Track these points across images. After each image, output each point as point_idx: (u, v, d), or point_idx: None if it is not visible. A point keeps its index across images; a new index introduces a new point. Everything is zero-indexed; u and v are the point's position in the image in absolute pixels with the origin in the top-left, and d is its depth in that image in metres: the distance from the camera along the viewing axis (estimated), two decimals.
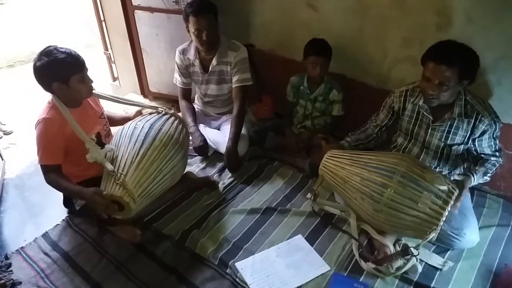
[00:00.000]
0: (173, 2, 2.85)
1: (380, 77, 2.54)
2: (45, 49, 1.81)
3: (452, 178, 2.06)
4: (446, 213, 1.70)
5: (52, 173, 1.89)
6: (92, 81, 1.93)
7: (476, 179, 1.86)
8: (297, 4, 2.68)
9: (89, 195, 1.80)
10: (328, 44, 2.43)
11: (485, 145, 1.91)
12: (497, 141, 1.93)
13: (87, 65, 1.90)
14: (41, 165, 1.91)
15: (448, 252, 1.94)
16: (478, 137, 1.88)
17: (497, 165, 1.93)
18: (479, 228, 1.98)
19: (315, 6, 2.60)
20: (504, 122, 2.05)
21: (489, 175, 1.92)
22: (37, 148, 1.90)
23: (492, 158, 1.92)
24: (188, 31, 2.39)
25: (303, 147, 2.61)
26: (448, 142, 1.96)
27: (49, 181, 1.90)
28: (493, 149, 1.93)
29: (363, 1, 2.39)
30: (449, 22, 2.12)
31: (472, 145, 1.93)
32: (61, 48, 1.82)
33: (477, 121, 1.85)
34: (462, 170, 2.07)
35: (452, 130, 1.92)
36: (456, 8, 2.08)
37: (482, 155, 1.94)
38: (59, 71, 1.80)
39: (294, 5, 2.70)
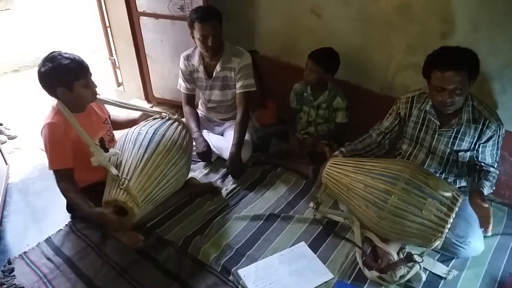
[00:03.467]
0: (178, 8, 2.87)
1: (384, 84, 2.54)
2: (49, 54, 1.82)
3: (457, 186, 2.06)
4: (451, 220, 1.69)
5: (64, 180, 1.90)
6: (96, 86, 1.94)
7: (485, 193, 1.85)
8: (301, 11, 2.68)
9: (97, 216, 1.84)
10: (333, 59, 2.43)
11: (488, 153, 1.91)
12: (499, 151, 1.93)
13: (92, 70, 1.91)
14: (53, 171, 1.91)
15: (453, 261, 1.93)
16: (484, 143, 1.88)
17: (496, 177, 1.94)
18: (484, 237, 1.96)
19: (319, 13, 2.61)
20: (508, 130, 2.04)
21: (493, 188, 1.92)
22: (45, 154, 1.91)
23: (492, 169, 1.93)
24: (193, 37, 2.40)
25: (307, 153, 2.60)
26: (455, 148, 1.95)
27: (61, 190, 1.91)
28: (494, 159, 1.93)
29: (367, 8, 2.39)
30: (454, 30, 2.12)
31: (475, 151, 1.93)
32: (65, 53, 1.83)
33: (485, 126, 1.85)
34: (467, 181, 2.07)
35: (459, 136, 1.92)
36: (461, 15, 2.08)
37: (483, 164, 1.94)
38: (64, 76, 1.81)
39: (298, 12, 2.71)
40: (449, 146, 1.96)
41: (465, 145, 1.92)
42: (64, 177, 1.90)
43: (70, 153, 1.92)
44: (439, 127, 1.96)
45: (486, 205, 1.74)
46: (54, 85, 1.83)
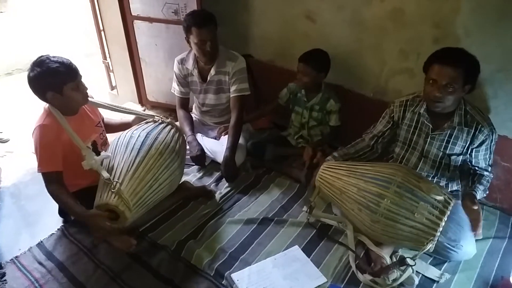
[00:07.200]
0: (172, 12, 2.87)
1: (377, 89, 2.55)
2: (37, 59, 1.81)
3: (449, 190, 2.07)
4: (443, 223, 1.70)
5: (53, 183, 1.88)
6: (86, 88, 1.93)
7: (478, 197, 1.87)
8: (295, 15, 2.70)
9: (90, 218, 1.81)
10: (323, 59, 2.44)
11: (481, 157, 1.92)
12: (492, 155, 1.94)
13: (86, 73, 1.90)
14: (42, 174, 1.89)
15: (445, 264, 1.93)
16: (476, 147, 1.90)
17: (490, 181, 1.96)
18: (476, 240, 1.98)
19: (313, 18, 2.63)
20: (500, 134, 2.06)
21: (487, 192, 1.94)
22: (35, 156, 1.89)
23: (486, 173, 1.94)
24: (188, 41, 2.40)
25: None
26: (447, 151, 1.96)
27: (50, 193, 1.89)
28: (488, 162, 1.94)
29: (361, 13, 2.41)
30: (446, 35, 2.14)
31: (468, 156, 1.94)
32: (53, 57, 1.82)
33: (477, 131, 1.86)
34: (460, 185, 2.08)
35: (452, 139, 1.93)
36: (453, 21, 2.10)
37: (477, 168, 1.95)
38: (53, 80, 1.80)
39: (292, 17, 2.72)
40: (442, 149, 1.97)
41: (457, 149, 1.94)
42: (53, 180, 1.88)
43: (61, 156, 1.91)
44: (431, 131, 1.97)
45: (476, 207, 1.76)
46: (44, 89, 1.82)
